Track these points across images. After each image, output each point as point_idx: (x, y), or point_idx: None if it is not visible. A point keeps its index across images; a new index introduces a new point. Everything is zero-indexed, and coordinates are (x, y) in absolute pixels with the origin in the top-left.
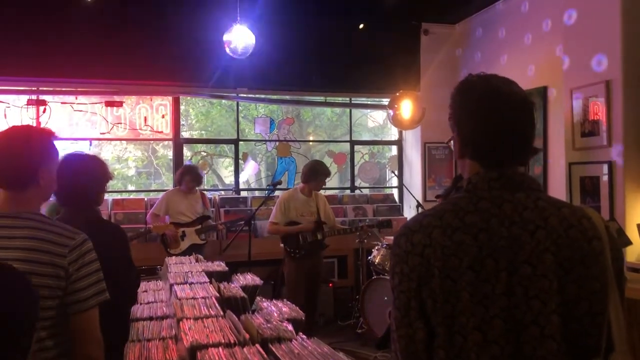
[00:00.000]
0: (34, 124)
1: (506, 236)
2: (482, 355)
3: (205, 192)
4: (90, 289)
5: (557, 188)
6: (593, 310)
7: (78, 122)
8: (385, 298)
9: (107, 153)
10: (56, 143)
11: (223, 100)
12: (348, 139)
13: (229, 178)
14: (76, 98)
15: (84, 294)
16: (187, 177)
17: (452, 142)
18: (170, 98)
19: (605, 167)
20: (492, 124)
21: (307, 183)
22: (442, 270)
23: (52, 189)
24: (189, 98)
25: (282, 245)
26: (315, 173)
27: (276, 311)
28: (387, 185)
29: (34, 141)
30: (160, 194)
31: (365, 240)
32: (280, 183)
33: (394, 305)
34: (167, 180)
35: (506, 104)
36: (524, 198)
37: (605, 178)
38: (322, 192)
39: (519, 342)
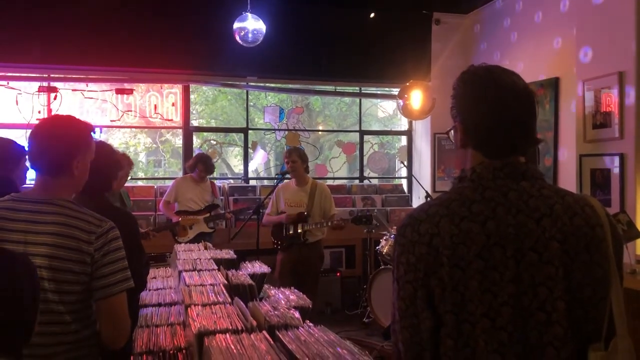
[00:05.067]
0: (45, 111)
1: (513, 224)
2: (491, 341)
3: (214, 180)
4: (116, 275)
5: (568, 180)
6: (597, 295)
7: (89, 109)
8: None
9: (115, 140)
10: None
11: (232, 89)
12: (357, 128)
13: (238, 167)
14: (87, 85)
15: (109, 280)
16: (201, 166)
17: (451, 132)
18: (180, 86)
19: (616, 160)
20: (496, 114)
21: None
22: (451, 258)
23: (84, 179)
24: (197, 86)
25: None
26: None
27: (283, 299)
28: (396, 176)
29: (74, 132)
30: (167, 182)
31: (374, 230)
32: (288, 172)
33: (398, 296)
34: (169, 166)
35: (509, 94)
36: (528, 187)
37: (616, 170)
38: (331, 181)
39: (526, 328)
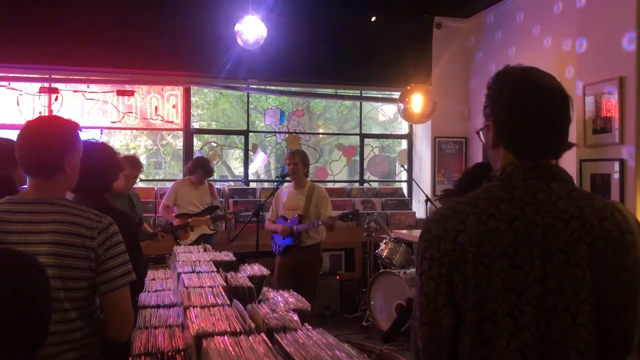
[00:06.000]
0: (46, 112)
1: (541, 224)
2: (513, 341)
3: (214, 182)
4: (119, 269)
5: None
6: (624, 301)
7: (89, 110)
8: (392, 291)
9: (116, 142)
10: None
11: (233, 92)
12: (358, 132)
13: (238, 169)
14: (88, 87)
15: (112, 274)
16: (200, 170)
17: (481, 131)
18: (181, 88)
19: (616, 165)
20: (530, 115)
21: None
22: (476, 255)
23: (76, 178)
24: (198, 88)
25: None
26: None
27: (282, 301)
28: (396, 179)
29: (61, 131)
30: (168, 183)
31: (373, 234)
32: (288, 175)
33: (420, 291)
34: (170, 168)
35: (544, 96)
36: (558, 188)
37: (616, 176)
38: (331, 184)
39: (550, 330)
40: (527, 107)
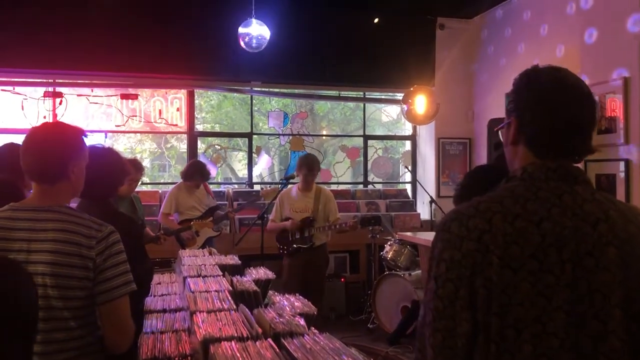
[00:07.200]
0: (51, 116)
1: (569, 226)
2: (539, 347)
3: (218, 185)
4: (118, 279)
5: None
6: None
7: (94, 114)
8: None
9: (120, 145)
10: None
11: (237, 94)
12: (361, 133)
13: (242, 171)
14: (92, 90)
15: (111, 284)
16: (198, 176)
17: (500, 130)
18: (184, 91)
19: (621, 165)
20: (557, 115)
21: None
22: (502, 258)
23: (81, 184)
24: (202, 91)
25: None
26: (297, 167)
27: (288, 305)
28: (400, 181)
29: (66, 137)
30: (172, 187)
31: (378, 235)
32: (293, 177)
33: (436, 295)
34: (174, 172)
35: (573, 97)
36: (582, 191)
37: (621, 176)
38: (335, 186)
39: (579, 337)
40: (555, 106)
